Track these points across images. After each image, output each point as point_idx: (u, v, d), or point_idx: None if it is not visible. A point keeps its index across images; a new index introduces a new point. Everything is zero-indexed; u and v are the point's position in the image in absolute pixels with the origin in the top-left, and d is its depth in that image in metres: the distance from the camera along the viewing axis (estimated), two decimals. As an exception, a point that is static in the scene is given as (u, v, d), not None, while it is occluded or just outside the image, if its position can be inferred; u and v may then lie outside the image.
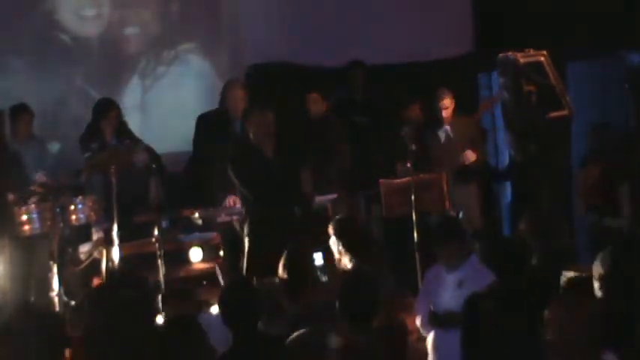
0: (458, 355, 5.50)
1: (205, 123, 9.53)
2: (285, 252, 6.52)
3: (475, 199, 9.34)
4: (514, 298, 5.13)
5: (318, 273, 6.90)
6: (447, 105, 9.26)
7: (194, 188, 9.40)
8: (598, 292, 4.82)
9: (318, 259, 7.10)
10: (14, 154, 8.82)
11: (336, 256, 6.95)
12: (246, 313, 5.26)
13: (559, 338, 4.11)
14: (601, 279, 4.88)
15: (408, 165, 8.47)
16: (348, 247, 6.86)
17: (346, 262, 6.88)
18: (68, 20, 10.68)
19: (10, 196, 8.32)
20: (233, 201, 8.59)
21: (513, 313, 4.98)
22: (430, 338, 6.49)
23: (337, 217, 7.45)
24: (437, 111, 9.34)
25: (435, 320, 6.43)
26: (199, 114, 9.73)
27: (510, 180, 10.27)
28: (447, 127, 9.29)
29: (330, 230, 7.02)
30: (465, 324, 5.50)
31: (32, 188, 8.55)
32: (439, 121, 9.36)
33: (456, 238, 6.55)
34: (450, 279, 6.48)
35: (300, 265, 6.42)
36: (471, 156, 9.20)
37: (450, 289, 6.44)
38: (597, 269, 4.99)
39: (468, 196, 9.23)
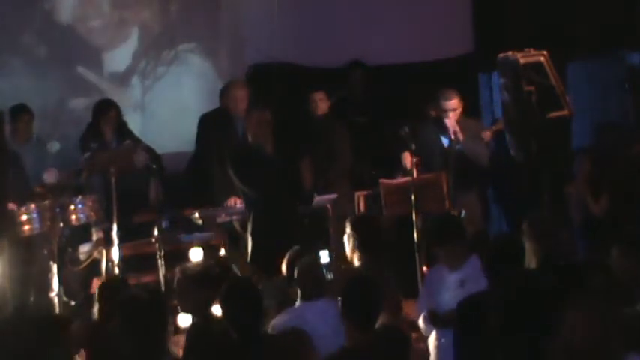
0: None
1: (207, 123, 9.54)
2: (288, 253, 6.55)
3: (476, 200, 9.32)
4: (510, 300, 5.12)
5: (324, 271, 6.90)
6: (456, 106, 9.09)
7: (195, 188, 9.41)
8: None
9: (324, 257, 7.10)
10: (14, 155, 8.81)
11: (348, 252, 6.98)
12: (248, 312, 5.26)
13: (579, 340, 4.09)
14: None
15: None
16: (363, 245, 6.87)
17: (355, 260, 6.89)
18: (68, 20, 10.67)
19: (11, 205, 8.33)
20: (234, 201, 8.59)
21: (510, 315, 4.96)
22: (432, 338, 6.49)
23: (359, 214, 7.47)
24: (442, 111, 9.14)
25: (436, 320, 6.43)
26: (201, 114, 9.75)
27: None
28: (448, 124, 9.14)
29: (348, 226, 7.04)
30: (458, 327, 5.51)
31: (36, 189, 8.58)
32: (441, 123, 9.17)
33: (458, 238, 6.55)
34: (452, 278, 6.48)
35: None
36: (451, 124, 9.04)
37: (451, 288, 6.44)
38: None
39: (468, 196, 9.21)
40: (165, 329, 5.48)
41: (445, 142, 9.12)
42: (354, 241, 6.89)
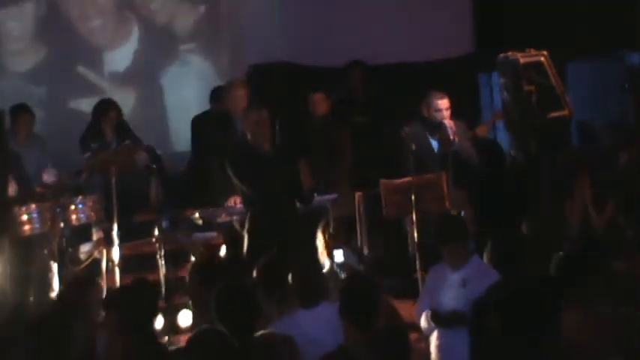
0: (462, 355, 5.48)
1: (202, 124, 9.54)
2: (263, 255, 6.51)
3: (467, 200, 9.32)
4: (510, 300, 5.11)
5: (337, 270, 6.91)
6: (448, 105, 9.09)
7: (195, 189, 9.40)
8: None
9: (339, 256, 7.10)
10: (14, 154, 8.81)
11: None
12: (241, 313, 5.25)
13: (575, 341, 4.10)
14: None
15: None
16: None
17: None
18: (69, 20, 10.68)
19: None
20: (234, 201, 8.59)
21: (510, 315, 4.93)
22: (433, 338, 6.48)
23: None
24: (434, 111, 9.12)
25: (438, 319, 6.42)
26: (193, 116, 9.75)
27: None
28: (447, 124, 9.12)
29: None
30: (471, 327, 5.46)
31: (37, 189, 8.59)
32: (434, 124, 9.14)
33: (460, 237, 6.55)
34: (454, 278, 6.47)
35: (275, 269, 6.35)
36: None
37: (453, 288, 6.43)
38: None
39: (462, 197, 9.21)
40: (152, 318, 5.52)
41: (434, 143, 9.12)
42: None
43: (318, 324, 5.58)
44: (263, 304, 5.95)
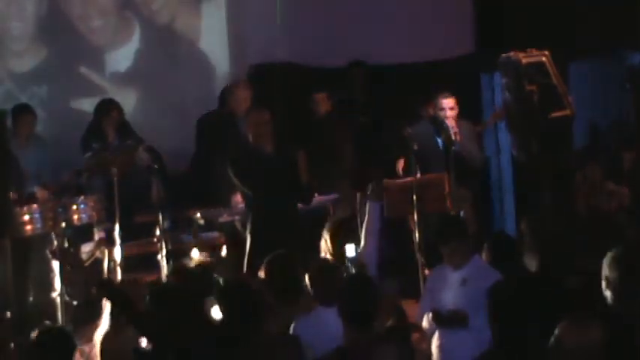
0: (463, 354, 5.49)
1: (207, 125, 9.55)
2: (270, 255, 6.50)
3: (469, 200, 9.32)
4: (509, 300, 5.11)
5: (349, 265, 6.92)
6: (453, 105, 9.11)
7: (197, 189, 9.41)
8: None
9: (350, 250, 7.11)
10: (12, 154, 8.82)
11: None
12: (244, 312, 5.25)
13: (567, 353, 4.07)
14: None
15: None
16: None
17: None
18: (70, 20, 10.68)
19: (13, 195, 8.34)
20: (238, 199, 8.59)
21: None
22: (435, 338, 6.48)
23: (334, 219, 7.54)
24: (439, 110, 9.14)
25: (439, 320, 6.43)
26: (199, 117, 9.75)
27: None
28: (448, 124, 9.14)
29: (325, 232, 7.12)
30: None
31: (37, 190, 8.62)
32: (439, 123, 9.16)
33: (460, 237, 6.57)
34: (454, 277, 6.48)
35: (287, 269, 6.36)
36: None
37: (454, 287, 6.45)
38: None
39: (464, 196, 9.21)
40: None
41: (440, 143, 9.13)
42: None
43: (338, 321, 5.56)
44: (274, 304, 5.99)
